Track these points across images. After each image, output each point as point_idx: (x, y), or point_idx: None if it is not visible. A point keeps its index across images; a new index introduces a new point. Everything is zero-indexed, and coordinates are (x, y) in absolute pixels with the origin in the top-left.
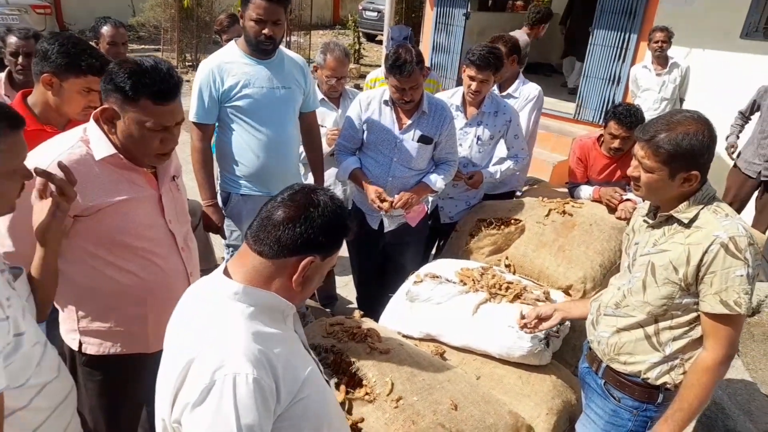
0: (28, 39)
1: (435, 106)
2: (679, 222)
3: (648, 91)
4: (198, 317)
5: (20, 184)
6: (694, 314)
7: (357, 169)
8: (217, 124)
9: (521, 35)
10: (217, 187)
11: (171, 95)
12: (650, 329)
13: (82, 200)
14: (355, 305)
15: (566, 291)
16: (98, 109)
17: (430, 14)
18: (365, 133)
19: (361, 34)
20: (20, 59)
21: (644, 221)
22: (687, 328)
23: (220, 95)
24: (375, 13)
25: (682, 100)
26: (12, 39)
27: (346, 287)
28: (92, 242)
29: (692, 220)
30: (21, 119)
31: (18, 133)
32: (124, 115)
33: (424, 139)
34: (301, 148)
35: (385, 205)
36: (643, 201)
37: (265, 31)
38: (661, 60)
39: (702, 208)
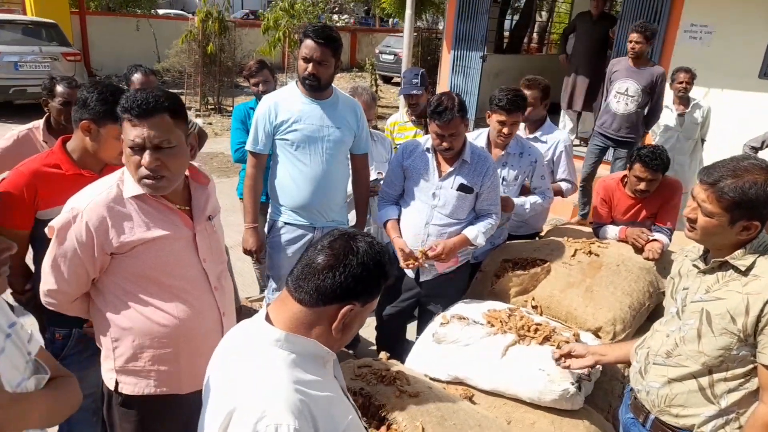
0: (75, 88)
1: (478, 156)
2: (735, 269)
3: (670, 130)
4: (239, 363)
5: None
6: (750, 366)
7: (393, 220)
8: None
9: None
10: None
11: (144, 113)
12: (704, 381)
13: (117, 237)
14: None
15: (596, 333)
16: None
17: (447, 57)
18: (406, 179)
19: (377, 77)
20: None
21: (694, 266)
22: (743, 380)
23: (273, 128)
24: (391, 56)
25: (703, 141)
26: (61, 89)
27: (368, 328)
28: (128, 279)
29: (749, 268)
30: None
31: None
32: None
33: (463, 188)
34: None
35: (410, 263)
36: (670, 239)
37: (309, 68)
38: (684, 100)
39: (758, 257)
